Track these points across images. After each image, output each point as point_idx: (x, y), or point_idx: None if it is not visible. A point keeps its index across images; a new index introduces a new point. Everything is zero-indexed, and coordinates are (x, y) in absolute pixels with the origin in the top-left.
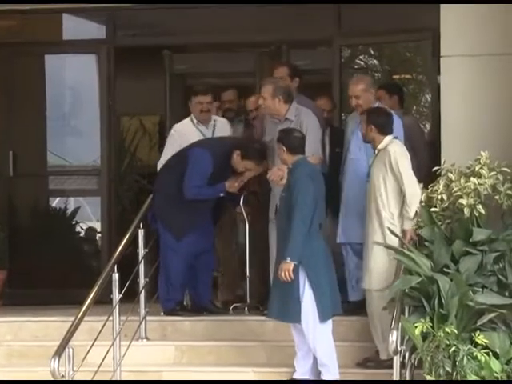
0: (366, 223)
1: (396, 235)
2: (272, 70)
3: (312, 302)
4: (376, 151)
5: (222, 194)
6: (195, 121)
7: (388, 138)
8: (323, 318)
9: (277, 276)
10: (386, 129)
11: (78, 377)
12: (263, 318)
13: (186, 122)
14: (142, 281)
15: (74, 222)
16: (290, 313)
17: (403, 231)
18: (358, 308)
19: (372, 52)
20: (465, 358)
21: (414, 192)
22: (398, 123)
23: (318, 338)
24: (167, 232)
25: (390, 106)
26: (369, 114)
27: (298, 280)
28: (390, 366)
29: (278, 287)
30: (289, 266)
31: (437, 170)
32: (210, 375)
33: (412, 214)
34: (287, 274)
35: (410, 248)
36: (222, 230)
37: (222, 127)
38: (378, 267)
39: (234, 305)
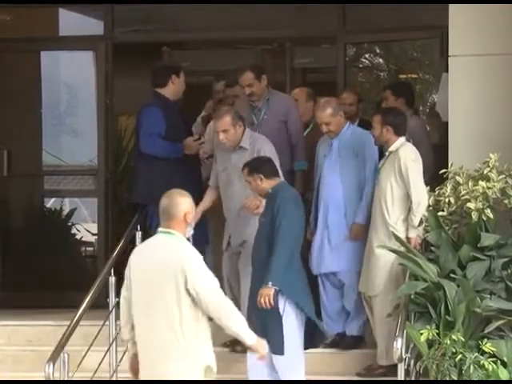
0: (370, 227)
1: (401, 241)
2: (238, 76)
3: (291, 331)
4: (387, 153)
5: (179, 155)
6: None
7: (401, 139)
8: (300, 348)
9: (255, 305)
10: (401, 129)
11: None
12: None
13: None
14: None
15: (69, 224)
16: (271, 343)
17: (407, 239)
18: (356, 341)
19: (378, 50)
20: (471, 367)
21: (421, 200)
22: None
23: (290, 370)
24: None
25: None
26: (385, 114)
27: (277, 308)
28: (384, 374)
29: (258, 317)
30: (269, 291)
31: (444, 173)
32: None
33: (416, 222)
34: (267, 299)
35: (416, 253)
36: None
37: None
38: (380, 272)
39: None
